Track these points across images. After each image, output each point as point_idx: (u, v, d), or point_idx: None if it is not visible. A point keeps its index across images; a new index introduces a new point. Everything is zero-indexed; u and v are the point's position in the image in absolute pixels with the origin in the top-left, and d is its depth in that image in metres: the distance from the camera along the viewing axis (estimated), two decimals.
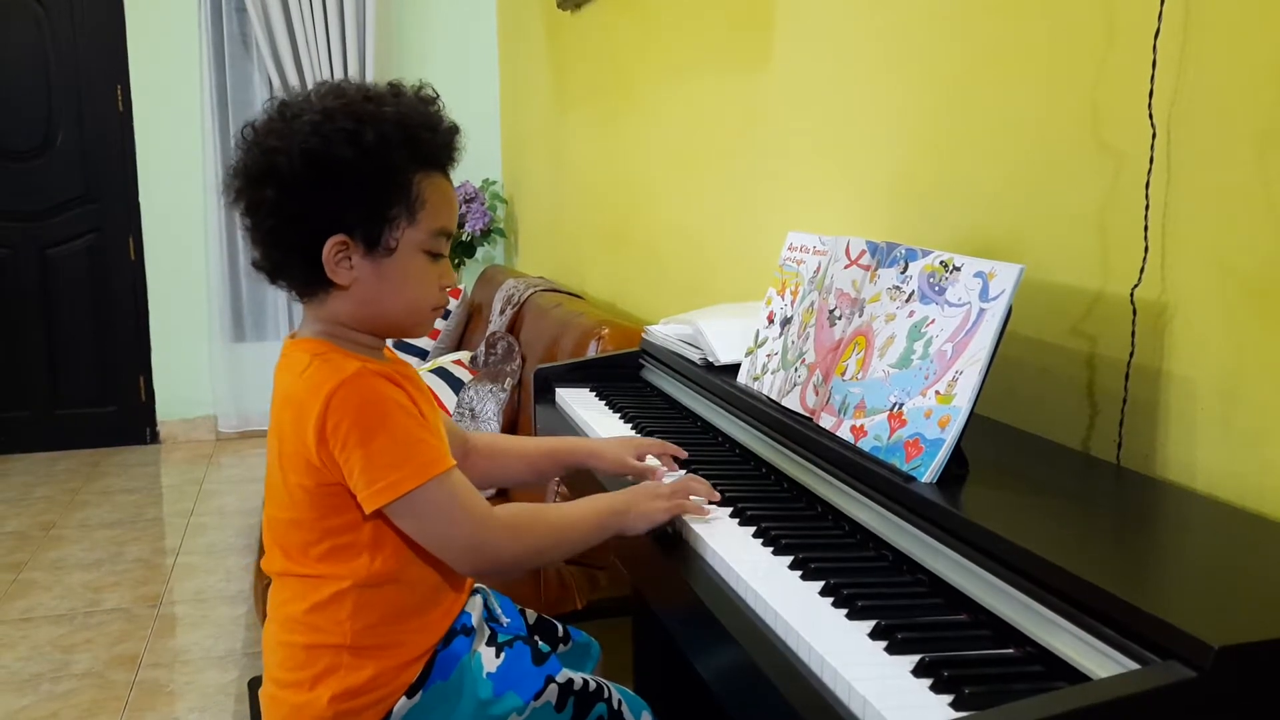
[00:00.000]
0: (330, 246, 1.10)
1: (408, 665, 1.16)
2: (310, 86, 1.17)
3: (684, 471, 1.35)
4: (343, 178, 1.09)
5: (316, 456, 1.09)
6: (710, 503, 1.20)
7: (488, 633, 1.27)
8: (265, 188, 1.10)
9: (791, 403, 1.33)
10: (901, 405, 1.10)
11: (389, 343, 1.25)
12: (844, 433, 1.18)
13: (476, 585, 1.30)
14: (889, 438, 1.10)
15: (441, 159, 1.16)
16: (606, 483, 1.37)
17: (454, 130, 1.17)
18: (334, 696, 1.13)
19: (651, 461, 1.36)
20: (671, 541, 1.18)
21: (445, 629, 1.19)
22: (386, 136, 1.10)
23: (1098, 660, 0.77)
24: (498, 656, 1.22)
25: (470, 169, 4.51)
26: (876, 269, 1.25)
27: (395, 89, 1.15)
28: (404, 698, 1.15)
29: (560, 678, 1.25)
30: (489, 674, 1.20)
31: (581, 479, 1.45)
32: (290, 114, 1.12)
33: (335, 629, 1.13)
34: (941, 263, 1.14)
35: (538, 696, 1.22)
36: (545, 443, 1.44)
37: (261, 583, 2.04)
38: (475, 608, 1.26)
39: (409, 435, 1.10)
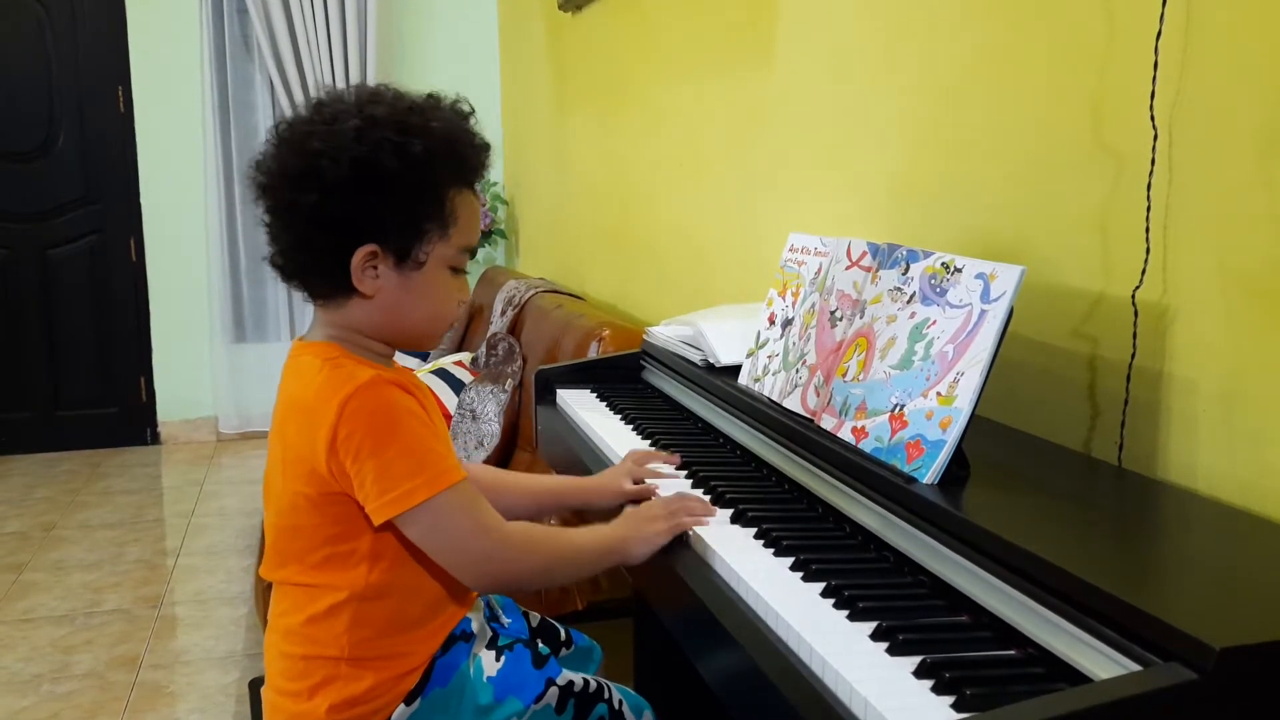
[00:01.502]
0: (361, 255, 1.10)
1: (406, 674, 1.15)
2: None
3: (683, 477, 1.35)
4: (385, 188, 1.08)
5: (325, 466, 1.08)
6: (707, 516, 1.19)
7: (489, 634, 1.26)
8: (307, 191, 1.08)
9: (793, 404, 1.33)
10: (903, 406, 1.10)
11: None
12: (845, 434, 1.18)
13: None
14: (890, 439, 1.10)
15: (476, 176, 1.16)
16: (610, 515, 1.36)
17: (487, 146, 1.17)
18: (332, 706, 1.12)
19: (650, 482, 1.34)
20: (673, 543, 1.17)
21: (445, 638, 1.18)
22: (433, 151, 1.10)
23: (1099, 662, 0.77)
24: (498, 660, 1.22)
25: None
26: (878, 270, 1.25)
27: (435, 101, 1.15)
28: (402, 705, 1.14)
29: (560, 680, 1.24)
30: (489, 678, 1.20)
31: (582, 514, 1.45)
32: (329, 115, 1.10)
33: (332, 641, 1.12)
34: (943, 264, 1.14)
35: (538, 700, 1.21)
36: (545, 480, 1.44)
37: (262, 584, 2.04)
38: (477, 610, 1.25)
39: (423, 445, 1.09)
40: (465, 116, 1.16)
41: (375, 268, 1.11)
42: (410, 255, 1.11)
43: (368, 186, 1.08)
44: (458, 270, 1.16)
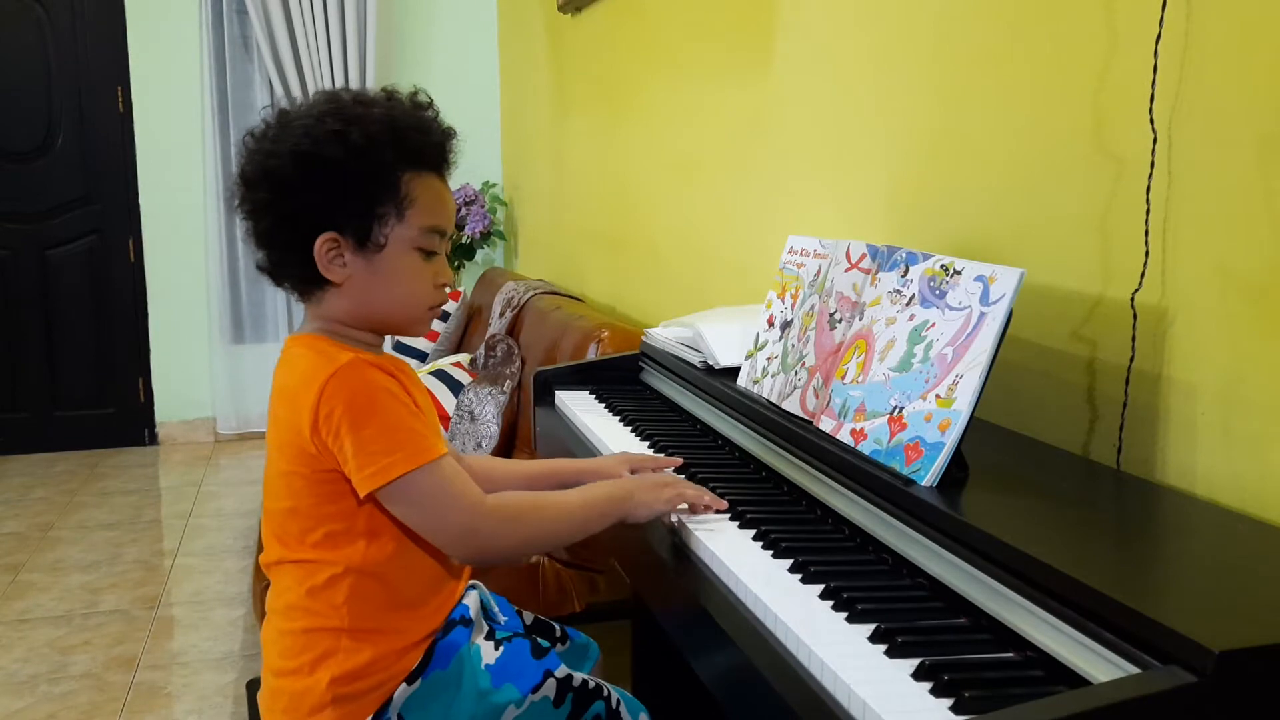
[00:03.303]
0: (321, 243, 1.14)
1: (407, 651, 1.17)
2: (312, 91, 1.21)
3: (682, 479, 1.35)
4: (330, 176, 1.13)
5: (311, 444, 1.12)
6: (716, 510, 1.20)
7: (485, 628, 1.27)
8: (260, 190, 1.15)
9: (791, 406, 1.33)
10: (902, 409, 1.10)
11: (389, 347, 1.26)
12: (844, 436, 1.18)
13: (472, 582, 1.30)
14: (889, 441, 1.10)
15: (432, 160, 1.19)
16: None
17: (448, 134, 1.21)
18: (334, 679, 1.14)
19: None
20: (672, 544, 1.18)
21: (443, 618, 1.21)
22: (373, 136, 1.13)
23: (1098, 665, 0.77)
24: (496, 649, 1.24)
25: (471, 171, 4.51)
26: (877, 272, 1.25)
27: (389, 94, 1.19)
28: (404, 684, 1.16)
29: (559, 673, 1.26)
30: (487, 665, 1.22)
31: None
32: (286, 120, 1.16)
33: (333, 613, 1.15)
34: (942, 266, 1.14)
35: (536, 689, 1.23)
36: (541, 464, 1.45)
37: (260, 584, 2.04)
38: (473, 601, 1.27)
39: (400, 422, 1.12)
40: (421, 106, 1.20)
41: (341, 255, 1.15)
42: (370, 239, 1.15)
43: (313, 177, 1.13)
44: (429, 253, 1.18)
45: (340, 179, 1.13)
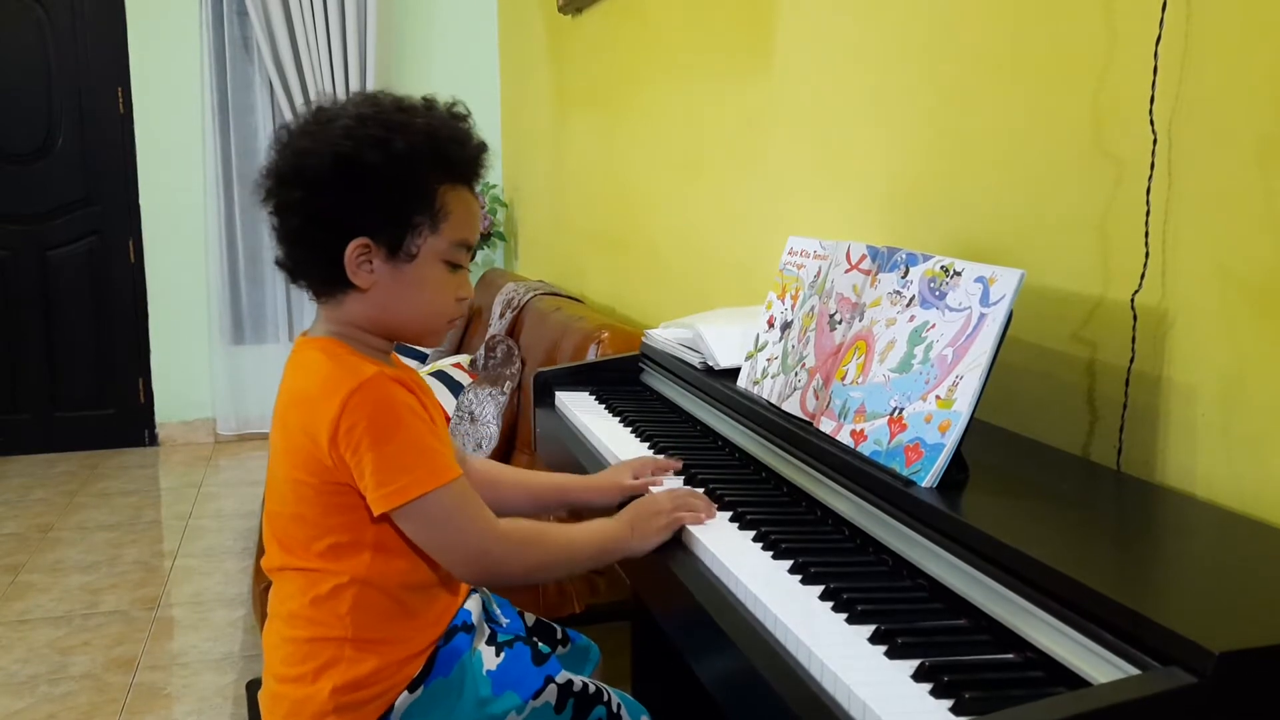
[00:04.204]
0: (353, 248, 1.12)
1: (409, 660, 1.17)
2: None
3: (681, 481, 1.35)
4: (369, 182, 1.12)
5: (328, 456, 1.10)
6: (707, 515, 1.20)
7: (487, 632, 1.27)
8: (294, 188, 1.13)
9: (791, 407, 1.33)
10: (902, 410, 1.10)
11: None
12: (844, 437, 1.18)
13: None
14: (889, 442, 1.10)
15: (468, 173, 1.19)
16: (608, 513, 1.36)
17: (482, 147, 1.20)
18: (336, 689, 1.13)
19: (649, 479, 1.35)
20: (671, 545, 1.17)
21: (445, 626, 1.20)
22: (415, 146, 1.12)
23: (1098, 666, 0.77)
24: (497, 655, 1.23)
25: None
26: (877, 274, 1.25)
27: (429, 103, 1.18)
28: (405, 692, 1.16)
29: (560, 678, 1.25)
30: (488, 672, 1.21)
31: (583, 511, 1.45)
32: (324, 118, 1.15)
33: (336, 622, 1.14)
34: (942, 268, 1.14)
35: (536, 696, 1.22)
36: (545, 476, 1.45)
37: (260, 585, 2.04)
38: (475, 606, 1.27)
39: (421, 442, 1.11)
40: (459, 117, 1.19)
41: (369, 261, 1.14)
42: (401, 248, 1.14)
43: (352, 181, 1.11)
44: (455, 266, 1.18)
45: (379, 186, 1.12)
